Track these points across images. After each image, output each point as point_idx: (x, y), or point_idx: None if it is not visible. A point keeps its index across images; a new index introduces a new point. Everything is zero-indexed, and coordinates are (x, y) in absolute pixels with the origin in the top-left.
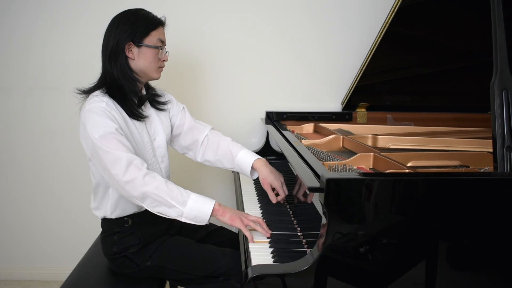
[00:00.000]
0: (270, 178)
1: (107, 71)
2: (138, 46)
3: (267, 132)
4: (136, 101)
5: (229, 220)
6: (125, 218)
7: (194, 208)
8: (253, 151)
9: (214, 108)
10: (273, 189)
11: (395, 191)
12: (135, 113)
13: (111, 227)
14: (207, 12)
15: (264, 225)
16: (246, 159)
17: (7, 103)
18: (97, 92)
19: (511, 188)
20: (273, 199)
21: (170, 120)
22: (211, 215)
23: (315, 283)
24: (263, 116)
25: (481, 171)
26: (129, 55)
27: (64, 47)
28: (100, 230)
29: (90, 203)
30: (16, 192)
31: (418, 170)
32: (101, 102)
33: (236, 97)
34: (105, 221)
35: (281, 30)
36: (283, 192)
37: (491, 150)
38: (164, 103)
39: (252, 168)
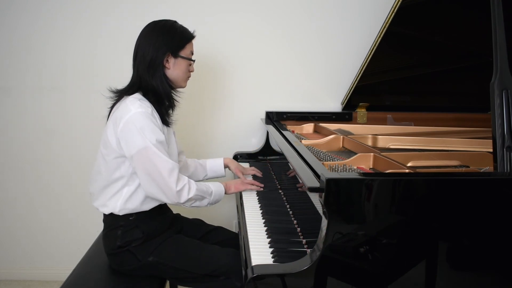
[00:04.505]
0: (240, 167)
1: (144, 78)
2: (175, 57)
3: (267, 132)
4: (166, 106)
5: (235, 189)
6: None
7: (216, 194)
8: (253, 151)
9: (214, 108)
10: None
11: (395, 191)
12: (165, 119)
13: (115, 222)
14: (206, 12)
15: (257, 183)
16: (216, 160)
17: (7, 103)
18: (138, 95)
19: (511, 188)
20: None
21: None
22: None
23: (315, 283)
24: (263, 116)
25: (481, 171)
26: (166, 65)
27: (64, 47)
28: (100, 229)
29: (94, 200)
30: (16, 192)
31: (418, 170)
32: (148, 108)
33: (236, 97)
34: (109, 217)
35: (281, 30)
36: (256, 171)
37: (491, 150)
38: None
39: (224, 165)
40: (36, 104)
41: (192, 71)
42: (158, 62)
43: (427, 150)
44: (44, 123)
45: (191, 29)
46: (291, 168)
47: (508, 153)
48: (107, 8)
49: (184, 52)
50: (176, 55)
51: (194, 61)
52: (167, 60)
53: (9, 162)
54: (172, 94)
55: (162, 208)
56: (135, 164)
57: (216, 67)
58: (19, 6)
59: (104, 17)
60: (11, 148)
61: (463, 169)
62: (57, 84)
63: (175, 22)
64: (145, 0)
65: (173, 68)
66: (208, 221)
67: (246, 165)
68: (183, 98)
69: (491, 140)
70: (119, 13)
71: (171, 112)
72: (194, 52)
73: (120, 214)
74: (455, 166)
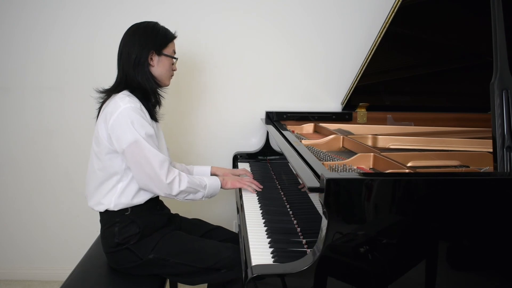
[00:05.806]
0: (229, 170)
1: (130, 76)
2: (159, 55)
3: (267, 132)
4: (153, 102)
5: (231, 186)
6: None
7: (211, 187)
8: (253, 151)
9: (214, 108)
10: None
11: (395, 191)
12: (154, 115)
13: (111, 218)
14: (206, 10)
15: (255, 183)
16: (203, 167)
17: (6, 103)
18: (126, 92)
19: (511, 188)
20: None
21: None
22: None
23: (315, 283)
24: (263, 116)
25: (481, 171)
26: (150, 62)
27: (63, 47)
28: (99, 230)
29: (89, 200)
30: (15, 192)
31: (418, 170)
32: (137, 103)
33: (236, 97)
34: (105, 214)
35: (281, 30)
36: (246, 172)
37: (491, 150)
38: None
39: (211, 173)
40: (36, 104)
41: (175, 70)
42: (143, 59)
43: (427, 150)
44: (43, 122)
45: (191, 29)
46: (291, 168)
47: (508, 153)
48: (107, 8)
49: (167, 51)
50: (159, 53)
51: (176, 59)
52: (151, 58)
53: (9, 162)
54: (158, 91)
55: (159, 204)
56: (127, 158)
57: (215, 67)
58: (19, 6)
59: (104, 17)
60: (11, 148)
61: (463, 169)
62: (56, 84)
63: (157, 23)
64: (145, 0)
65: (157, 66)
66: (208, 221)
67: (246, 165)
68: (183, 98)
69: (491, 140)
70: (119, 13)
71: (157, 108)
72: (176, 51)
73: (115, 209)
74: (455, 166)
